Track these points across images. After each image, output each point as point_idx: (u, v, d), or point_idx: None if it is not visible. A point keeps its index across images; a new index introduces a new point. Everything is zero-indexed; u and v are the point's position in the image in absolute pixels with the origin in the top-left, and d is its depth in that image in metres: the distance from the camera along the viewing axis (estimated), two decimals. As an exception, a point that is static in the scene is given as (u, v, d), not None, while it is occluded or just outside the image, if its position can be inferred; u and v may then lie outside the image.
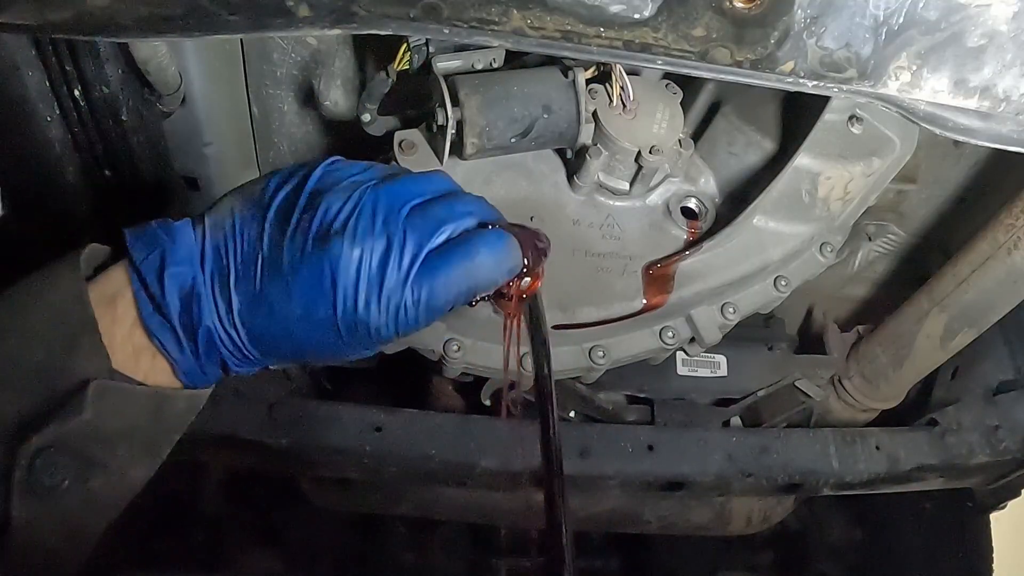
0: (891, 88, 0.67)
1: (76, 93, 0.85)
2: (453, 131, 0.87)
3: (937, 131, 0.70)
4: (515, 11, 0.62)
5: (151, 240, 0.61)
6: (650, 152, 0.90)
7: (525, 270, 0.69)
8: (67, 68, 0.82)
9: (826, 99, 0.93)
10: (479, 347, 0.93)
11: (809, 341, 1.38)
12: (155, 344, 0.61)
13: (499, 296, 0.72)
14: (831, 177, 0.98)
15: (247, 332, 0.62)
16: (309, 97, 1.06)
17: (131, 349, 0.60)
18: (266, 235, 0.60)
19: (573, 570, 0.59)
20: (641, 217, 0.97)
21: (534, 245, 0.70)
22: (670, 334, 0.97)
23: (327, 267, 0.59)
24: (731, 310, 0.99)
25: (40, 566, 0.58)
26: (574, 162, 0.95)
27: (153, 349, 0.61)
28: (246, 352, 0.63)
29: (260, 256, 0.60)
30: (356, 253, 0.59)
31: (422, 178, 0.66)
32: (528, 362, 0.91)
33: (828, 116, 0.95)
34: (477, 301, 0.69)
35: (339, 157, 0.65)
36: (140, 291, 0.60)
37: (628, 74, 0.90)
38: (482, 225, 0.66)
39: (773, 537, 1.85)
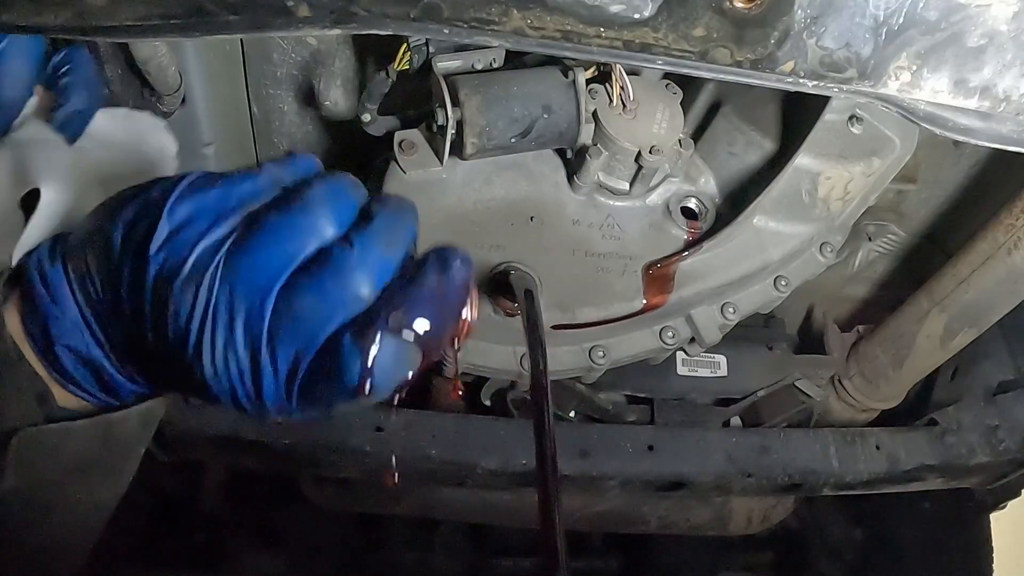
0: (891, 88, 0.67)
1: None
2: (453, 131, 0.87)
3: (937, 131, 0.70)
4: (515, 11, 0.62)
5: (34, 299, 0.52)
6: (650, 152, 0.90)
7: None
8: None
9: (826, 99, 0.93)
10: (479, 347, 0.93)
11: (809, 341, 1.38)
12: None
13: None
14: (831, 177, 0.98)
15: (158, 386, 0.56)
16: (309, 97, 1.06)
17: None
18: (133, 324, 0.51)
19: (567, 569, 0.58)
20: (641, 217, 0.97)
21: (442, 307, 0.53)
22: (670, 334, 0.97)
23: (199, 376, 0.51)
24: (731, 310, 0.99)
25: None
26: (574, 162, 0.95)
27: None
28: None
29: (144, 342, 0.51)
30: (223, 382, 0.51)
31: (282, 234, 0.49)
32: (527, 362, 0.91)
33: (828, 116, 0.95)
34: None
35: (196, 182, 0.51)
36: (43, 359, 0.53)
37: (628, 74, 0.90)
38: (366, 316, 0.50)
39: (773, 537, 1.85)
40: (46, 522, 0.55)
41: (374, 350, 0.48)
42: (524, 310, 0.77)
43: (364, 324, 0.49)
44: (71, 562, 0.60)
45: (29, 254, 0.54)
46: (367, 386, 0.49)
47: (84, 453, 0.55)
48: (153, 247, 0.49)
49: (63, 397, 0.55)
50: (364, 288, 0.49)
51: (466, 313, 0.55)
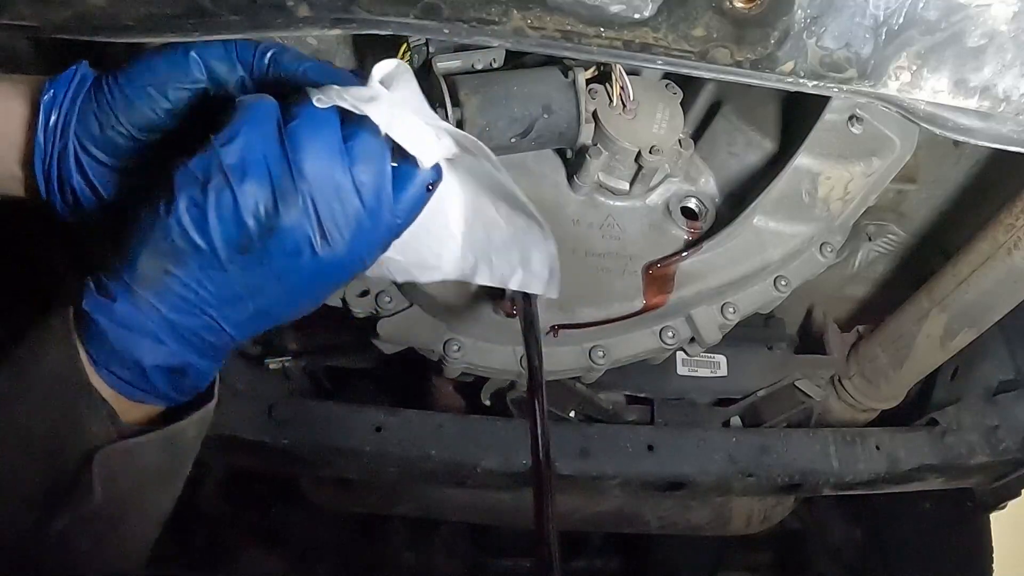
0: (891, 88, 0.67)
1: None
2: (453, 131, 0.87)
3: (937, 131, 0.70)
4: (515, 11, 0.62)
5: (103, 337, 0.57)
6: (650, 152, 0.90)
7: None
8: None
9: (826, 99, 0.93)
10: (479, 347, 0.93)
11: (809, 341, 1.38)
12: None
13: None
14: (831, 177, 0.98)
15: (236, 331, 0.61)
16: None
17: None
18: (236, 276, 0.58)
19: (559, 571, 0.60)
20: (641, 217, 0.97)
21: None
22: (670, 334, 0.97)
23: (335, 267, 0.59)
24: (731, 310, 0.99)
25: None
26: (574, 162, 0.95)
27: None
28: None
29: (241, 294, 0.59)
30: (347, 239, 0.59)
31: (309, 119, 0.58)
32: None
33: (828, 116, 0.95)
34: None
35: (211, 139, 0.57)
36: (119, 385, 0.58)
37: (628, 74, 0.90)
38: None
39: (773, 537, 1.85)
40: (122, 531, 0.60)
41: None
42: (521, 311, 0.77)
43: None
44: (135, 565, 0.64)
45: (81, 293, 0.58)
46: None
47: (154, 463, 0.61)
48: (240, 198, 0.56)
49: (124, 411, 0.59)
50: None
51: None
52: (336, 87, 0.59)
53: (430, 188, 0.63)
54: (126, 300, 0.57)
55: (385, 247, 0.63)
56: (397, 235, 0.63)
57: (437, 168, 0.63)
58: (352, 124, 0.59)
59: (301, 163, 0.57)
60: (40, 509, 0.55)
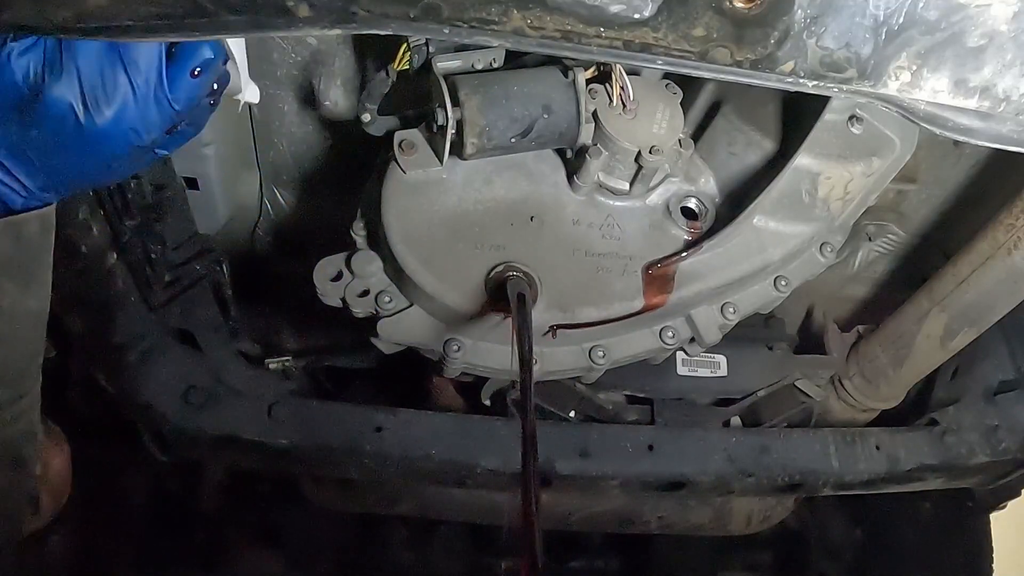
0: (891, 88, 0.67)
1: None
2: (453, 131, 0.87)
3: (937, 131, 0.70)
4: (515, 11, 0.62)
5: None
6: (650, 152, 0.90)
7: None
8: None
9: (826, 99, 0.93)
10: (479, 347, 0.93)
11: (809, 341, 1.38)
12: None
13: None
14: (831, 177, 0.97)
15: (56, 193, 0.69)
16: (309, 97, 1.06)
17: None
18: (15, 132, 0.65)
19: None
20: (641, 217, 0.97)
21: None
22: (670, 334, 0.97)
23: (109, 134, 0.66)
24: (731, 310, 0.99)
25: None
26: (574, 162, 0.95)
27: None
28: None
29: (27, 150, 0.66)
30: (113, 111, 0.65)
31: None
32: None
33: (828, 116, 0.95)
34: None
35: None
36: None
37: (628, 74, 0.90)
38: None
39: (773, 537, 1.85)
40: None
41: None
42: (515, 315, 0.78)
43: None
44: (24, 371, 0.69)
45: None
46: None
47: (3, 250, 0.66)
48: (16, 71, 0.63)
49: None
50: None
51: None
52: None
53: (195, 75, 0.68)
54: None
55: (165, 125, 0.69)
56: (176, 116, 0.69)
57: (212, 57, 0.69)
58: None
59: (72, 42, 0.64)
60: None
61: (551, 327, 0.90)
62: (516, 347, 0.76)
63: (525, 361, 0.75)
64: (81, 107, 0.65)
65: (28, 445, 0.70)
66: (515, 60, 0.92)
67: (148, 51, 0.65)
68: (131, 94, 0.65)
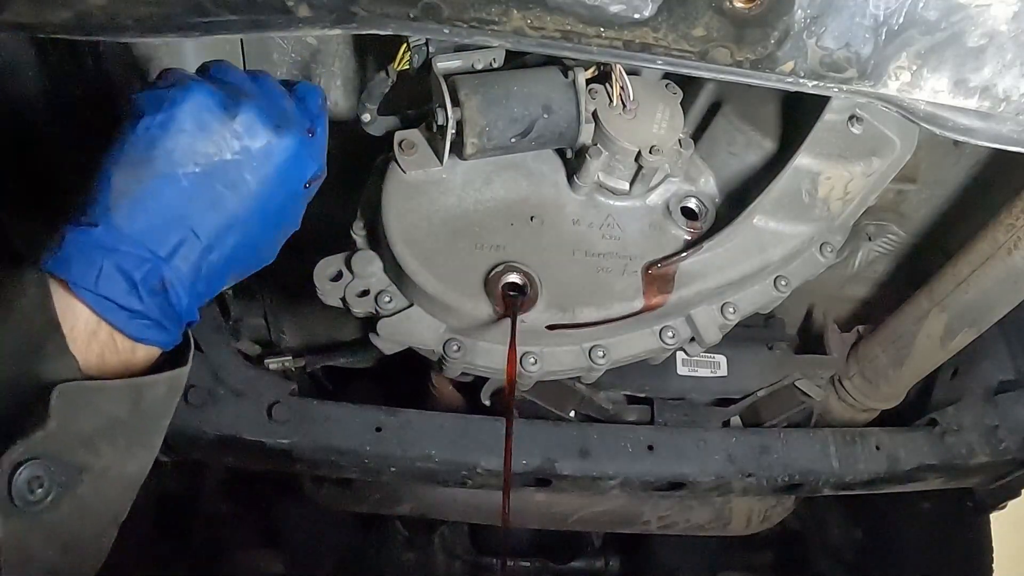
0: (891, 88, 0.67)
1: (76, 93, 0.85)
2: (453, 131, 0.87)
3: (937, 131, 0.70)
4: (515, 11, 0.62)
5: (88, 259, 0.60)
6: (650, 152, 0.90)
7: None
8: (67, 68, 0.82)
9: (826, 99, 0.93)
10: (479, 347, 0.93)
11: (809, 341, 1.38)
12: (142, 342, 0.63)
13: None
14: (831, 177, 0.97)
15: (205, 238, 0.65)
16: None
17: (96, 348, 0.61)
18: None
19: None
20: (641, 217, 0.97)
21: None
22: (670, 334, 0.97)
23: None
24: (731, 310, 0.99)
25: None
26: (574, 162, 0.95)
27: (115, 341, 0.62)
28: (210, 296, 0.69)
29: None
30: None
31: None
32: (528, 362, 0.91)
33: (828, 116, 0.95)
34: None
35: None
36: (110, 311, 0.60)
37: (628, 74, 0.90)
38: None
39: (773, 537, 1.85)
40: (80, 484, 0.58)
41: None
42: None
43: None
44: (100, 535, 0.64)
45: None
46: None
47: (116, 414, 0.60)
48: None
49: (101, 359, 0.61)
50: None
51: None
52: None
53: (306, 186, 0.75)
54: (107, 222, 0.61)
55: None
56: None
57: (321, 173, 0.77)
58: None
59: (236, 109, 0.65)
60: None
61: (545, 327, 0.90)
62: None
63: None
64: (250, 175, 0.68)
65: None
66: (515, 60, 0.92)
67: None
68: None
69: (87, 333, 0.60)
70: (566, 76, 0.88)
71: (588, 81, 0.89)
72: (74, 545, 0.60)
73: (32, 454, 0.54)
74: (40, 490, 0.55)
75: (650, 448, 1.12)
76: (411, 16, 0.62)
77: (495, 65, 0.90)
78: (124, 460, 0.62)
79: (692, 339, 1.00)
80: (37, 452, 0.55)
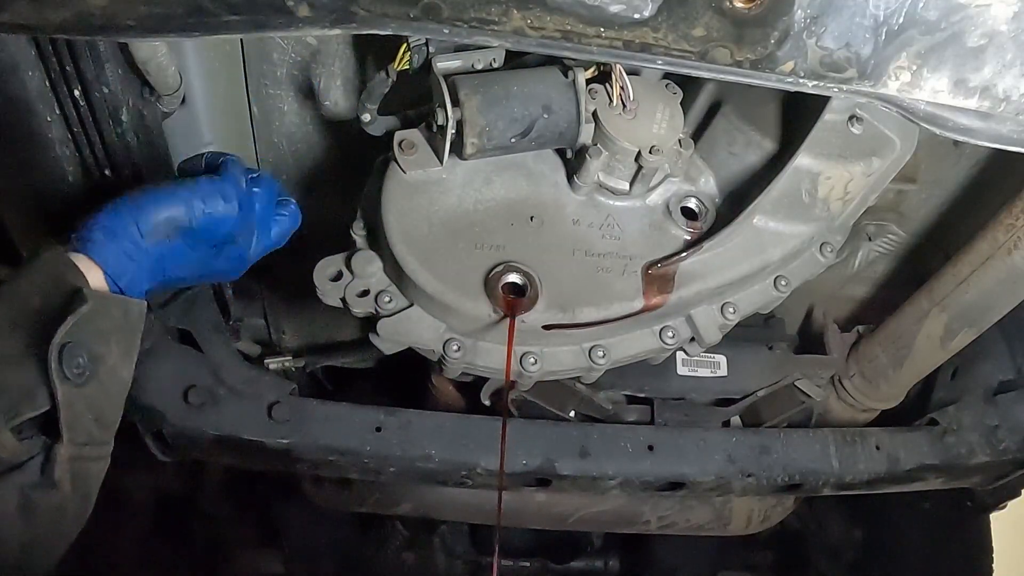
0: (891, 88, 0.67)
1: (76, 93, 0.85)
2: (453, 131, 0.87)
3: (937, 131, 0.70)
4: (515, 11, 0.62)
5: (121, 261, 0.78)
6: (650, 152, 0.90)
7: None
8: (67, 68, 0.82)
9: (826, 99, 0.93)
10: (479, 347, 0.93)
11: (809, 341, 1.38)
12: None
13: None
14: (831, 177, 0.97)
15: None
16: (309, 97, 1.06)
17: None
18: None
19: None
20: (641, 217, 0.97)
21: None
22: (670, 334, 0.97)
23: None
24: (731, 310, 0.99)
25: (83, 443, 0.71)
26: (574, 162, 0.95)
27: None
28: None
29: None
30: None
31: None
32: (528, 362, 0.91)
33: (828, 116, 0.95)
34: None
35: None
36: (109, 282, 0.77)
37: (628, 74, 0.90)
38: None
39: (773, 537, 1.85)
40: (100, 370, 0.73)
41: None
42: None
43: None
44: (111, 426, 0.76)
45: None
46: None
47: (115, 321, 0.75)
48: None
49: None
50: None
51: None
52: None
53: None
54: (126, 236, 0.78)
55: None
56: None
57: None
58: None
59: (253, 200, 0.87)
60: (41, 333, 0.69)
61: (542, 327, 0.90)
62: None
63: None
64: (253, 241, 0.88)
65: (96, 485, 0.76)
66: (515, 60, 0.92)
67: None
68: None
69: (98, 278, 0.77)
70: (566, 76, 0.88)
71: (588, 81, 0.89)
72: (102, 420, 0.74)
73: (70, 338, 0.69)
74: (77, 369, 0.70)
75: (650, 448, 1.12)
76: (411, 16, 0.62)
77: (495, 65, 0.90)
78: (121, 365, 0.76)
79: (692, 339, 1.00)
80: (73, 337, 0.69)
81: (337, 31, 0.64)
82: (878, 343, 1.27)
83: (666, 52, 0.64)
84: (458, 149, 0.89)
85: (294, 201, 0.93)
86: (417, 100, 0.95)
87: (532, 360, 0.92)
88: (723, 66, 0.65)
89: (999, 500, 1.40)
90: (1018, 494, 1.37)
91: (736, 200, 1.00)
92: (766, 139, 1.00)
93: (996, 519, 1.51)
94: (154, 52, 0.87)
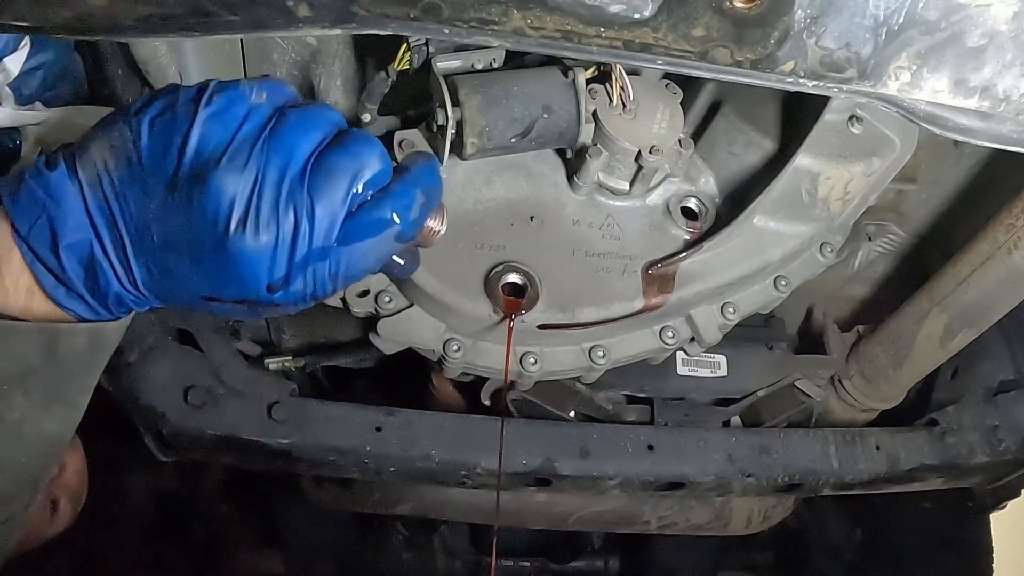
0: (891, 88, 0.67)
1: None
2: (453, 131, 0.87)
3: (937, 131, 0.70)
4: (515, 11, 0.62)
5: (32, 204, 0.56)
6: (650, 152, 0.90)
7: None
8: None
9: (826, 99, 0.93)
10: (479, 347, 0.93)
11: (809, 341, 1.38)
12: (65, 312, 0.58)
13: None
14: (831, 177, 0.98)
15: (156, 296, 0.60)
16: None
17: (23, 293, 0.57)
18: (154, 209, 0.56)
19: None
20: (641, 217, 0.97)
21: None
22: (670, 334, 0.97)
23: (238, 259, 0.56)
24: (731, 310, 0.99)
25: None
26: (574, 162, 0.95)
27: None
28: (155, 304, 0.62)
29: (152, 232, 0.57)
30: (265, 240, 0.56)
31: (309, 119, 0.59)
32: (528, 362, 0.92)
33: (828, 116, 0.95)
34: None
35: (212, 81, 0.59)
36: (35, 264, 0.57)
37: (628, 74, 0.90)
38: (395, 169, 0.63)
39: (773, 537, 1.85)
40: None
41: (398, 193, 0.62)
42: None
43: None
44: (14, 497, 0.60)
45: (19, 168, 0.58)
46: (392, 232, 0.61)
47: (30, 360, 0.57)
48: (194, 135, 0.56)
49: (25, 309, 0.57)
50: (377, 146, 0.61)
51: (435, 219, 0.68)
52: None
53: (399, 240, 0.63)
54: (64, 175, 0.56)
55: (304, 274, 0.59)
56: (338, 272, 0.61)
57: (405, 232, 0.64)
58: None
59: (274, 139, 0.58)
60: None
61: (538, 326, 0.90)
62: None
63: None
64: (239, 219, 0.55)
65: (5, 548, 0.63)
66: (515, 60, 0.92)
67: (334, 197, 0.58)
68: (295, 233, 0.57)
69: (17, 271, 0.57)
70: (566, 76, 0.88)
71: (588, 81, 0.89)
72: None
73: None
74: None
75: (650, 448, 1.12)
76: (411, 16, 0.62)
77: (495, 65, 0.91)
78: (40, 416, 0.59)
79: (692, 339, 1.00)
80: None
81: (337, 31, 0.63)
82: (878, 343, 1.27)
83: (666, 52, 0.64)
84: (458, 149, 0.89)
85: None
86: (417, 100, 0.95)
87: (532, 360, 0.92)
88: (723, 66, 0.65)
89: (999, 500, 1.40)
90: (1018, 494, 1.37)
91: (736, 200, 1.00)
92: (766, 139, 1.00)
93: (996, 519, 1.51)
94: (154, 52, 0.87)
